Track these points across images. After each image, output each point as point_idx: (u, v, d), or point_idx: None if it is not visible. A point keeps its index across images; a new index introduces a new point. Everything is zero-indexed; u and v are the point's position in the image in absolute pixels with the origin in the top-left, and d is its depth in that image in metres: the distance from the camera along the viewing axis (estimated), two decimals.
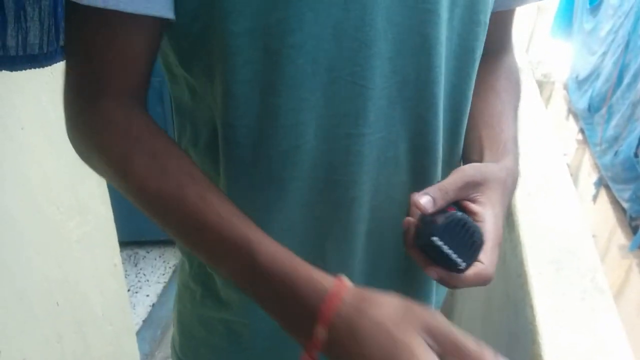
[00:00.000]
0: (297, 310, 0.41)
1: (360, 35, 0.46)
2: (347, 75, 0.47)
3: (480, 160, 0.54)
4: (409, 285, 0.60)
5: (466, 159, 0.58)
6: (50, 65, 0.63)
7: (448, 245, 0.45)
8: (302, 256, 0.45)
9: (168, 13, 0.45)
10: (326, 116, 0.49)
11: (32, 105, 0.88)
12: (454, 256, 0.45)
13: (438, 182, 0.51)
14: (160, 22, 0.47)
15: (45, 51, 0.60)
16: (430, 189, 0.48)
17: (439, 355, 0.37)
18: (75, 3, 0.44)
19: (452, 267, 0.46)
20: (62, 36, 0.60)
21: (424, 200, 0.46)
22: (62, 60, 0.64)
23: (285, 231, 0.53)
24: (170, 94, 0.58)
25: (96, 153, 0.48)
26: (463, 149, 0.59)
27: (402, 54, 0.49)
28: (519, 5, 0.60)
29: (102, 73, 0.47)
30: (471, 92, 0.56)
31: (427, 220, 0.47)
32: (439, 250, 0.45)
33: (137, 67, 0.48)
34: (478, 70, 0.56)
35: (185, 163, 0.47)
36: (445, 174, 0.54)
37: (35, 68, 0.62)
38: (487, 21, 0.53)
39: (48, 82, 0.92)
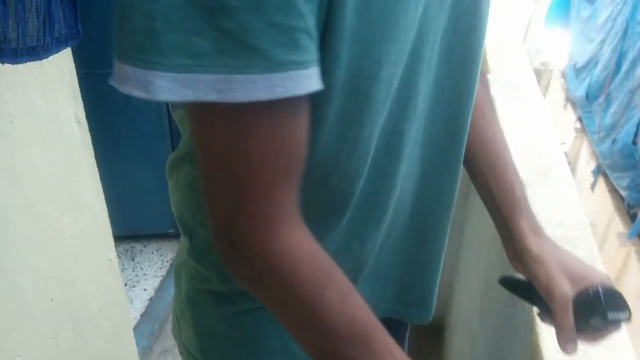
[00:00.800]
0: None
1: (419, 52, 0.48)
2: (403, 86, 0.49)
3: (504, 214, 0.62)
4: (420, 252, 0.65)
5: (490, 210, 0.65)
6: (47, 57, 0.63)
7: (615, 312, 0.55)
8: (343, 239, 0.54)
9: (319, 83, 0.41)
10: (385, 126, 0.50)
11: (22, 99, 0.87)
12: (623, 316, 0.55)
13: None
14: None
15: (42, 43, 0.60)
16: (566, 335, 0.56)
17: None
18: (211, 104, 0.36)
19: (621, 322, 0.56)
20: (56, 27, 0.59)
21: (571, 348, 0.56)
22: (57, 53, 0.63)
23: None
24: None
25: (277, 285, 0.43)
26: (480, 193, 0.66)
27: (443, 58, 0.52)
28: None
29: (272, 187, 0.41)
30: (479, 66, 0.60)
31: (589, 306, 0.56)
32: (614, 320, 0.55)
33: (302, 164, 0.42)
34: None
35: (365, 303, 0.46)
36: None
37: (34, 60, 0.61)
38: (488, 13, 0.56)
39: (37, 76, 0.90)
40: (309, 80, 0.38)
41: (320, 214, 0.52)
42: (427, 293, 0.69)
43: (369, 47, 0.43)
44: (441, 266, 0.68)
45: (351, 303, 0.45)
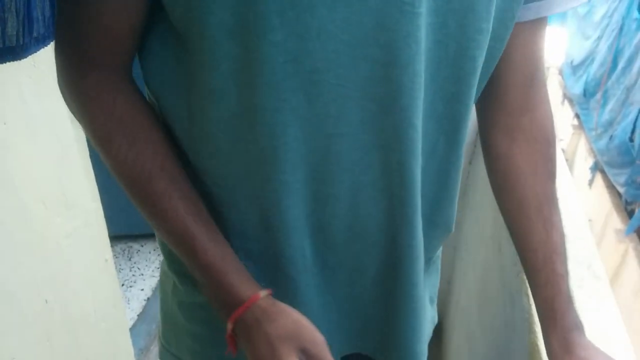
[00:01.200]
0: (220, 304, 0.52)
1: (345, 37, 0.45)
2: (332, 77, 0.47)
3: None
4: (394, 281, 0.60)
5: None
6: (26, 57, 0.61)
7: None
8: (280, 251, 0.54)
9: None
10: (307, 117, 0.48)
11: (14, 99, 0.86)
12: None
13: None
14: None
15: (21, 43, 0.59)
16: None
17: None
18: None
19: None
20: (35, 27, 0.59)
21: None
22: (35, 52, 0.62)
23: (256, 225, 0.54)
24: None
25: (82, 123, 0.51)
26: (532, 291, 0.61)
27: (399, 62, 0.47)
28: (547, 12, 0.56)
29: (87, 48, 0.48)
30: (472, 101, 0.55)
31: None
32: None
33: (123, 43, 0.49)
34: (514, 142, 0.61)
35: (160, 152, 0.50)
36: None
37: (13, 60, 0.60)
38: (490, 28, 0.51)
39: (30, 76, 0.90)
40: None
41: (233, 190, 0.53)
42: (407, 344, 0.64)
43: None
44: (420, 323, 0.63)
45: (138, 150, 0.50)
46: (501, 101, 0.60)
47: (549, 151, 0.63)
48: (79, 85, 0.50)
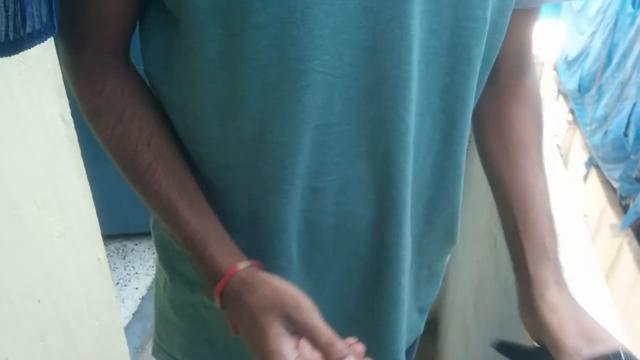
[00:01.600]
0: (206, 280, 0.51)
1: (331, 21, 0.44)
2: (319, 66, 0.46)
3: (527, 276, 0.57)
4: (380, 281, 0.58)
5: (513, 254, 0.60)
6: (16, 53, 0.60)
7: None
8: (266, 249, 0.53)
9: None
10: (293, 110, 0.47)
11: (4, 97, 0.85)
12: None
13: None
14: None
15: (11, 39, 0.58)
16: None
17: (297, 338, 0.44)
18: None
19: None
20: (28, 22, 0.58)
21: None
22: (30, 48, 0.62)
23: (242, 222, 0.54)
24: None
25: (76, 99, 0.53)
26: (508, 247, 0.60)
27: (382, 47, 0.46)
28: (537, 4, 0.57)
29: (81, 27, 0.50)
30: (470, 95, 0.53)
31: None
32: None
33: (115, 26, 0.50)
34: (501, 101, 0.60)
35: (147, 128, 0.51)
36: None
37: (2, 57, 0.59)
38: (487, 18, 0.49)
39: (21, 73, 0.88)
40: None
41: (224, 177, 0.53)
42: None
43: None
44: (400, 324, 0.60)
45: (125, 127, 0.51)
46: (491, 77, 0.59)
47: (537, 107, 0.63)
48: (74, 61, 0.52)
